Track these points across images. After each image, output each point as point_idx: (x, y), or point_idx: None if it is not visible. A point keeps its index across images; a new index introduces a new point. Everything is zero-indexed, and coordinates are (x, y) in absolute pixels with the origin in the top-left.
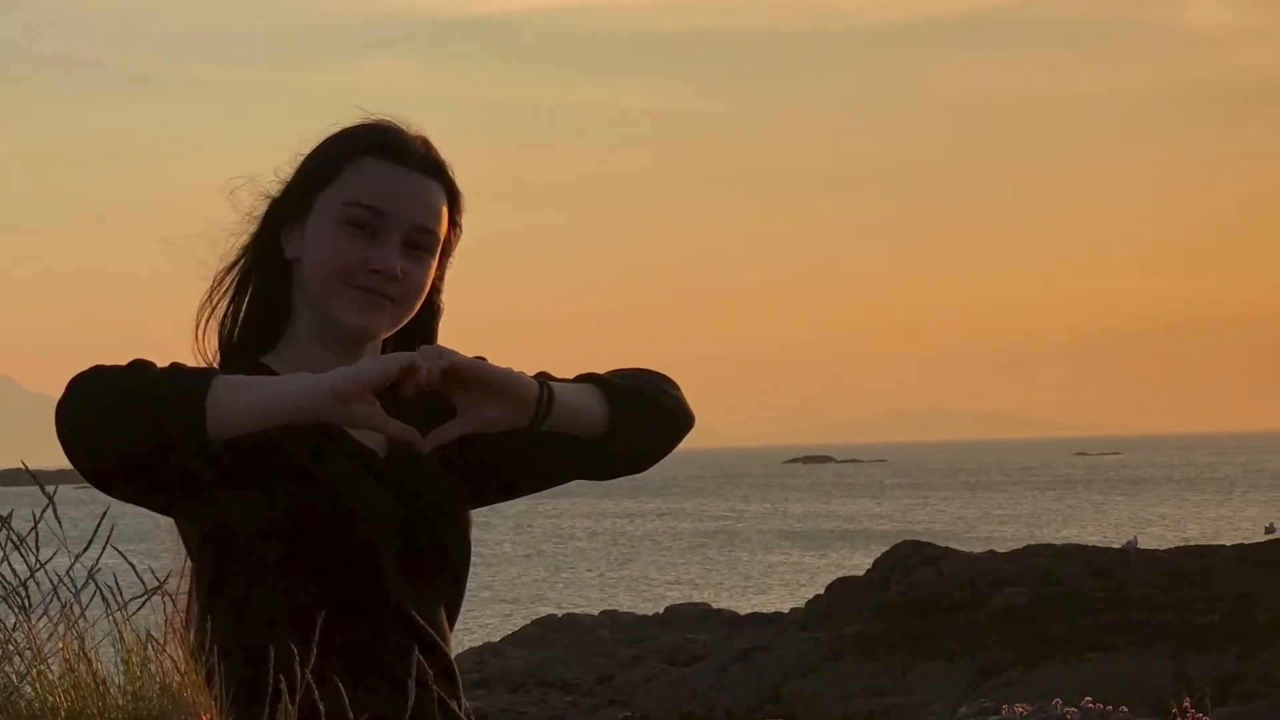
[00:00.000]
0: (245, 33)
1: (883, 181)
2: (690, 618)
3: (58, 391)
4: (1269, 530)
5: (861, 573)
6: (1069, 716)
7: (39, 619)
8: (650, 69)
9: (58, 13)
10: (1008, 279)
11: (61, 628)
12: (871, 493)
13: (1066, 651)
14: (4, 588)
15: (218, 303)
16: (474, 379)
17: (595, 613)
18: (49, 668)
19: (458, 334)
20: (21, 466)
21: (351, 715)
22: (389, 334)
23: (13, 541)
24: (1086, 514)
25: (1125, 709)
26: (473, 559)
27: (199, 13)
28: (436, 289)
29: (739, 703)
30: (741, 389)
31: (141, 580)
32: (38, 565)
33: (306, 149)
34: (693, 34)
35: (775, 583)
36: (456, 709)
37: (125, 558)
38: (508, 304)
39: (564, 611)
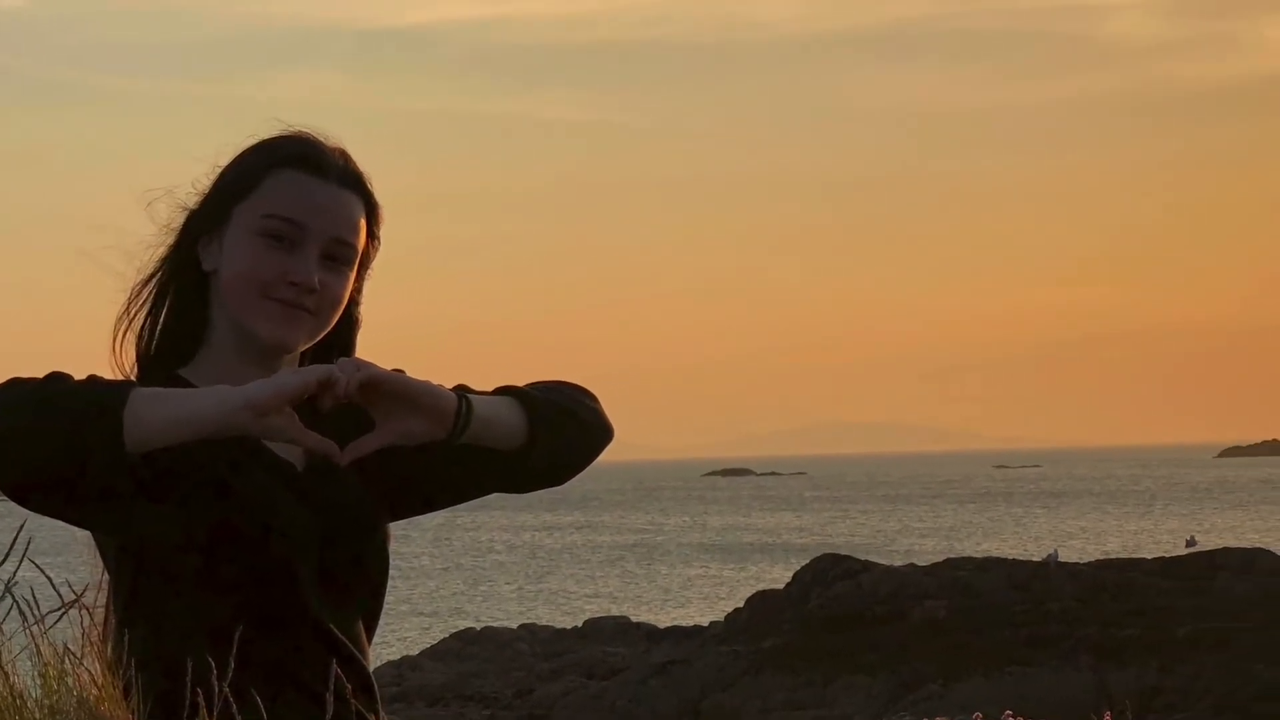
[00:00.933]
0: (164, 44)
1: (804, 193)
2: (609, 631)
3: None
4: (1190, 543)
5: (781, 586)
6: None
7: None
8: (570, 80)
9: None
10: (930, 291)
11: None
12: (791, 506)
13: (987, 665)
14: None
15: (135, 315)
16: (392, 392)
17: (514, 626)
18: None
19: (376, 346)
20: None
21: None
22: (307, 346)
23: None
24: (1007, 527)
25: None
26: (391, 572)
27: (117, 24)
28: (355, 301)
29: (658, 716)
30: (661, 401)
31: (59, 593)
32: None
33: (224, 161)
34: (612, 45)
35: (694, 596)
36: None
37: (42, 571)
38: (427, 316)
39: (482, 625)
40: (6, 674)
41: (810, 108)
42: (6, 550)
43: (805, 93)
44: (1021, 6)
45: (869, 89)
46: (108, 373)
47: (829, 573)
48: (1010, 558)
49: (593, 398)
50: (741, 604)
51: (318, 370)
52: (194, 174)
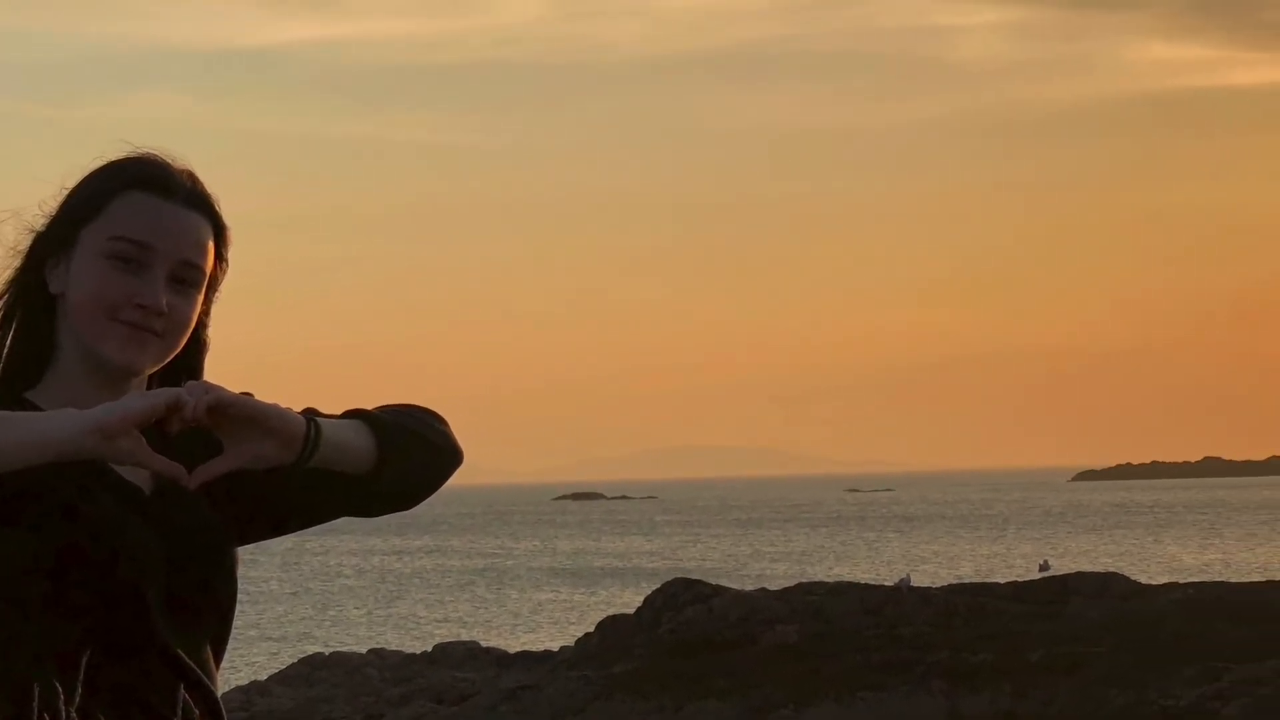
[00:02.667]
0: (10, 65)
1: (656, 215)
2: (459, 656)
3: None
4: (1043, 568)
5: (632, 610)
6: None
7: None
8: (419, 102)
9: None
10: (781, 314)
11: None
12: (642, 530)
13: (839, 690)
14: None
15: None
16: (240, 415)
17: (363, 651)
18: None
19: (225, 370)
20: None
21: None
22: (155, 369)
23: None
24: (859, 551)
25: None
26: (239, 596)
27: None
28: (203, 324)
29: None
30: (511, 425)
31: None
32: None
33: (71, 183)
34: (462, 67)
35: (545, 620)
36: None
37: None
38: (276, 339)
39: (331, 650)
40: None
41: (661, 129)
42: None
43: (656, 114)
44: (873, 28)
45: (720, 110)
46: None
47: (680, 597)
48: (862, 582)
49: (442, 421)
50: (592, 629)
51: (165, 393)
52: (41, 196)
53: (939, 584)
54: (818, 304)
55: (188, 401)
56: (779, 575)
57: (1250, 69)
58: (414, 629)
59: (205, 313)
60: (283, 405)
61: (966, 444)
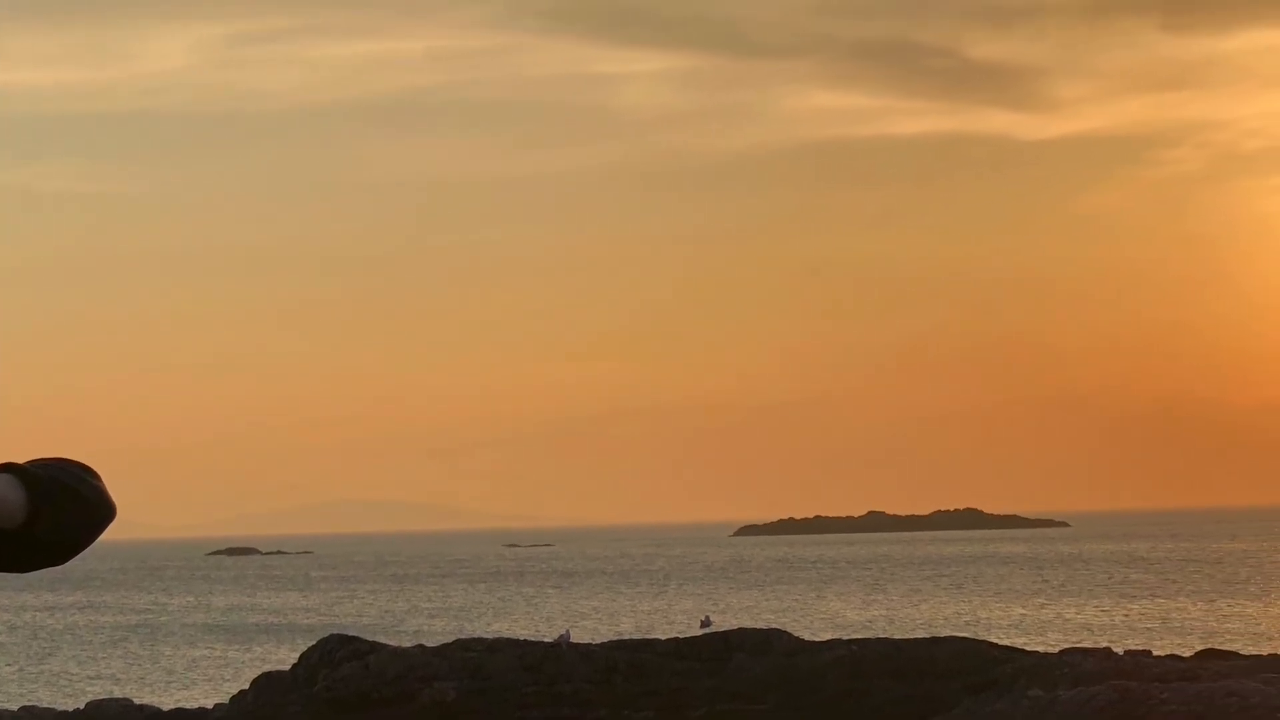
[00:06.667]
0: None
1: (310, 266)
2: (112, 713)
3: None
4: (705, 624)
5: (287, 667)
6: None
7: None
8: (70, 151)
9: None
10: (440, 366)
11: None
12: (297, 585)
13: None
14: None
15: None
16: None
17: (14, 709)
18: None
19: None
20: None
21: None
22: None
23: None
24: (518, 607)
25: None
26: None
27: None
28: None
29: None
30: (164, 478)
31: None
32: None
33: None
34: (113, 116)
35: (199, 677)
36: None
37: None
38: None
39: None
40: None
41: (316, 179)
42: None
43: (311, 164)
44: (532, 76)
45: (376, 160)
46: None
47: (336, 653)
48: (521, 638)
49: (94, 474)
50: (247, 685)
51: None
52: None
53: (599, 640)
54: (476, 356)
55: None
56: (437, 631)
57: (911, 118)
58: (66, 686)
59: None
60: None
61: (628, 498)
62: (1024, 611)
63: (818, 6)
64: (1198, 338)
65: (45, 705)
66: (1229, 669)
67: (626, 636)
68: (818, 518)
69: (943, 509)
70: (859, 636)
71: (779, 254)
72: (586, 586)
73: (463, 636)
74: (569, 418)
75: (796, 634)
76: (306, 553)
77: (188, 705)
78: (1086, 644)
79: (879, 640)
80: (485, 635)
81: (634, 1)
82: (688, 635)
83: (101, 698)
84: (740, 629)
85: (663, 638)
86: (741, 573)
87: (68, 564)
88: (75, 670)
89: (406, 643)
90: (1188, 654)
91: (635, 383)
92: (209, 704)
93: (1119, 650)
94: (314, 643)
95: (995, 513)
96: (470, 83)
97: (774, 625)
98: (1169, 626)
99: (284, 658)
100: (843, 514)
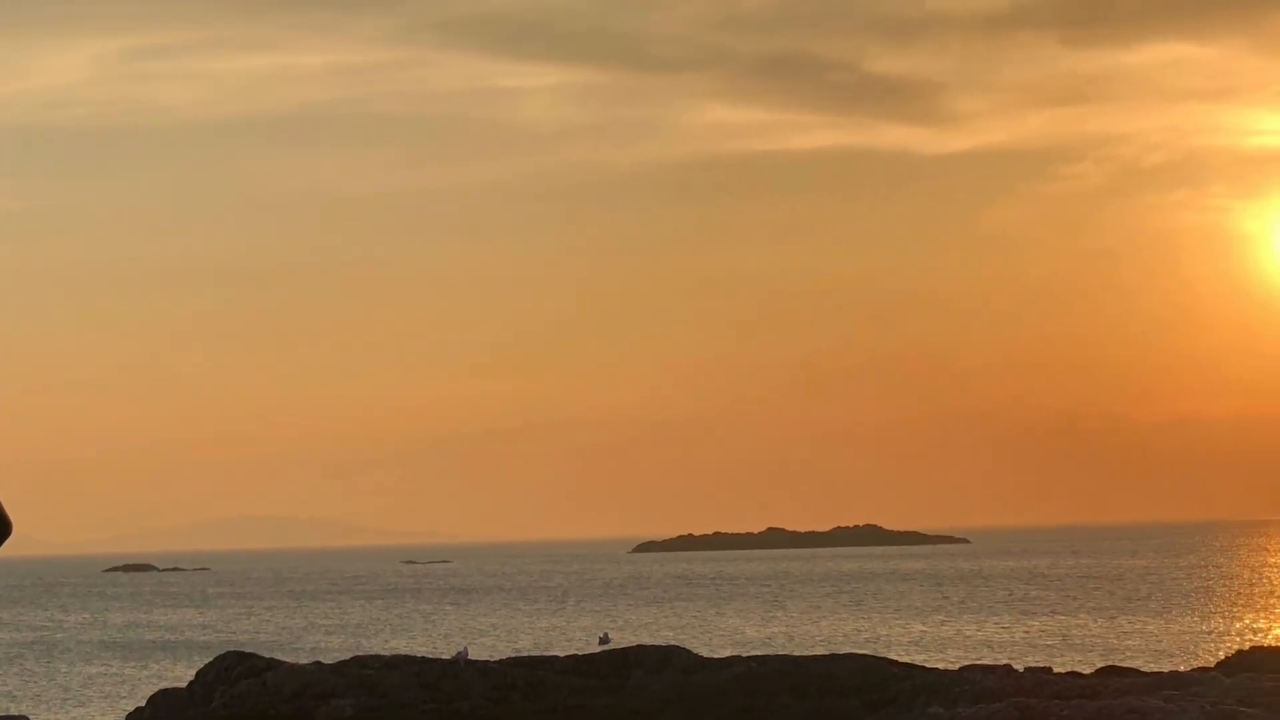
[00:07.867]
0: None
1: (205, 281)
2: None
3: None
4: (603, 640)
5: (184, 684)
6: None
7: None
8: None
9: None
10: (336, 382)
11: None
12: (194, 602)
13: None
14: None
15: None
16: None
17: None
18: None
19: None
20: None
21: None
22: None
23: None
24: (416, 624)
25: None
26: None
27: None
28: None
29: None
30: (59, 494)
31: None
32: None
33: None
34: (8, 130)
35: (95, 694)
36: None
37: None
38: None
39: None
40: None
41: (213, 193)
42: None
43: (208, 178)
44: (432, 90)
45: (274, 174)
46: None
47: (233, 670)
48: (419, 655)
49: None
50: (144, 702)
51: None
52: None
53: (497, 657)
54: (374, 372)
55: None
56: (334, 648)
57: (808, 133)
58: None
59: None
60: None
61: (526, 515)
62: (924, 628)
63: (718, 21)
64: (1100, 353)
65: None
66: (1129, 686)
67: (524, 654)
68: (717, 534)
69: (843, 525)
70: (758, 653)
71: (678, 269)
72: (484, 603)
73: (360, 653)
74: (467, 434)
75: (695, 651)
76: (203, 569)
77: None
78: (987, 661)
79: (778, 657)
80: (382, 652)
81: (534, 15)
82: (586, 652)
83: None
84: (639, 646)
85: (561, 655)
86: (640, 589)
87: None
88: None
89: (304, 660)
90: (1088, 671)
91: (534, 399)
92: None
93: (1019, 667)
94: (211, 660)
95: (895, 529)
96: (369, 97)
97: (673, 642)
98: (1069, 643)
99: (181, 675)
100: (742, 530)
